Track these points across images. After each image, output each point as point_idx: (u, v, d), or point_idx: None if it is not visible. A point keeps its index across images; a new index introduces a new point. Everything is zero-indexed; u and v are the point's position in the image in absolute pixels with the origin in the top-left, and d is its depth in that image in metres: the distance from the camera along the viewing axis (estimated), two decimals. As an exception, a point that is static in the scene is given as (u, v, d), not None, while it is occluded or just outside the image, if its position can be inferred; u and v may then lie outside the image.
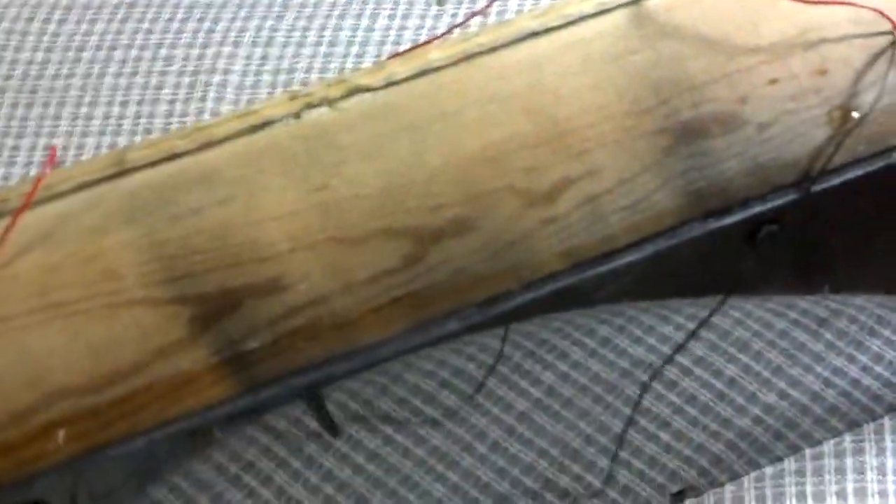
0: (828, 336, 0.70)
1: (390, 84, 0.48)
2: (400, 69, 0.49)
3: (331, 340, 0.43)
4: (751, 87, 0.48)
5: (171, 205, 0.45)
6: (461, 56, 0.49)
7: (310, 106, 0.48)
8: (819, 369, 0.69)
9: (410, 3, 1.01)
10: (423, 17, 1.00)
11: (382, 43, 0.99)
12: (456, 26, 0.93)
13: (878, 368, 0.68)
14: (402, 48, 0.96)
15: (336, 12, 1.00)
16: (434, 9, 1.01)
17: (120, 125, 0.93)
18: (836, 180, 0.47)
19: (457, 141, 0.47)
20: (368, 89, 0.48)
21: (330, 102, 0.48)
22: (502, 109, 0.48)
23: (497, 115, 0.48)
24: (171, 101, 0.94)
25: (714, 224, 0.45)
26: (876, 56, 0.48)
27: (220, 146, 0.46)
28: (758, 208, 0.46)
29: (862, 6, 0.50)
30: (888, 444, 0.66)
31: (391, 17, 1.00)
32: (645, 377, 0.63)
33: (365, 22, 1.00)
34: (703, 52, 0.49)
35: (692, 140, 0.47)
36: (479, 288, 0.44)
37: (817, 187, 0.46)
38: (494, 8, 0.95)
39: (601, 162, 0.46)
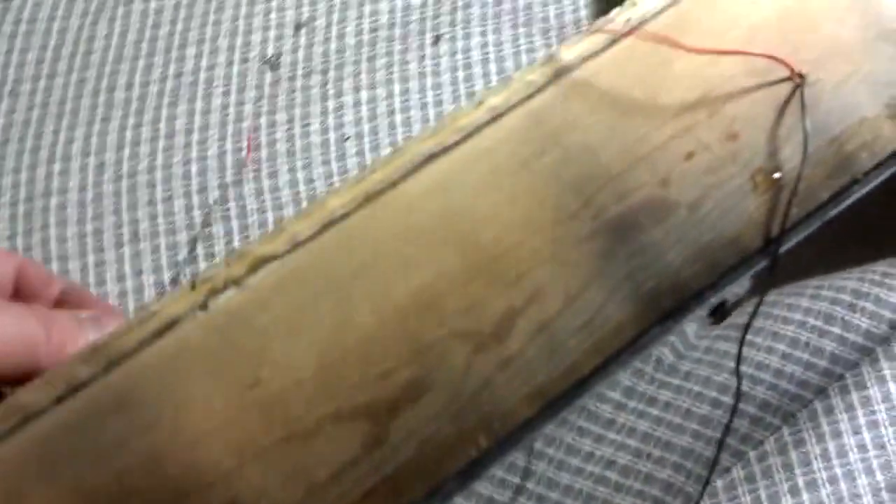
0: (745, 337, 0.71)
1: (296, 246, 0.45)
2: (301, 227, 0.46)
3: (309, 557, 0.40)
4: (668, 166, 0.47)
5: (91, 444, 0.41)
6: (362, 198, 0.46)
7: (214, 292, 0.44)
8: (743, 368, 0.71)
9: (243, 74, 0.98)
10: (259, 86, 0.97)
11: (224, 123, 0.94)
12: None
13: (797, 353, 0.70)
14: (244, 125, 0.93)
15: (166, 101, 0.95)
16: (269, 75, 0.98)
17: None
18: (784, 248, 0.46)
19: (383, 294, 0.44)
20: (274, 258, 0.45)
21: (236, 282, 0.44)
22: (421, 247, 0.45)
23: (417, 254, 0.45)
24: (9, 237, 0.87)
25: (672, 324, 0.44)
26: (782, 107, 0.48)
27: (126, 363, 0.42)
28: (712, 298, 0.45)
29: (751, 53, 0.49)
30: (825, 428, 0.67)
31: (226, 94, 0.96)
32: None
33: (200, 104, 0.95)
34: (610, 137, 0.48)
35: (627, 237, 0.46)
36: (451, 454, 0.42)
37: (762, 266, 0.46)
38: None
39: (542, 283, 0.45)
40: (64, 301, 0.48)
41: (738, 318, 0.71)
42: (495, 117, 0.48)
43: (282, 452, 0.41)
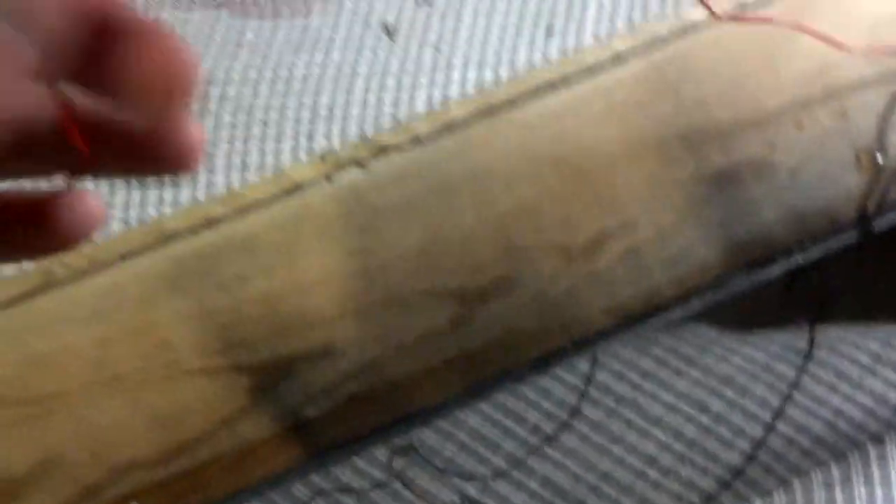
0: (809, 367, 0.74)
1: (416, 143, 0.52)
2: (423, 126, 0.52)
3: (387, 404, 0.46)
4: (777, 132, 0.52)
5: (216, 273, 0.48)
6: (483, 111, 0.52)
7: (340, 167, 0.51)
8: (802, 400, 0.73)
9: (361, 37, 1.04)
10: (374, 49, 1.03)
11: (336, 77, 1.01)
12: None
13: (860, 397, 0.72)
14: (355, 82, 0.99)
15: (290, 48, 1.02)
16: (385, 41, 1.04)
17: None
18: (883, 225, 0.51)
19: (489, 198, 0.50)
20: (396, 148, 0.51)
21: (359, 163, 0.51)
22: (530, 164, 0.51)
23: (525, 170, 0.51)
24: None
25: (758, 276, 0.49)
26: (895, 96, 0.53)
27: (255, 212, 0.49)
28: (799, 258, 0.50)
29: (879, 47, 0.54)
30: (875, 473, 0.70)
31: (342, 50, 1.02)
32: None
33: (319, 57, 1.02)
34: (726, 97, 0.53)
35: (726, 188, 0.51)
36: (529, 346, 0.48)
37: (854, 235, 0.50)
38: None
39: (637, 214, 0.50)
40: None
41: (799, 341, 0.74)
42: (619, 59, 0.54)
43: (378, 313, 0.47)
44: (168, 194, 0.89)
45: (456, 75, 0.83)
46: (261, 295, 0.47)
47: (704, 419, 0.77)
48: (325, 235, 0.49)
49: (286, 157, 0.94)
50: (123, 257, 0.47)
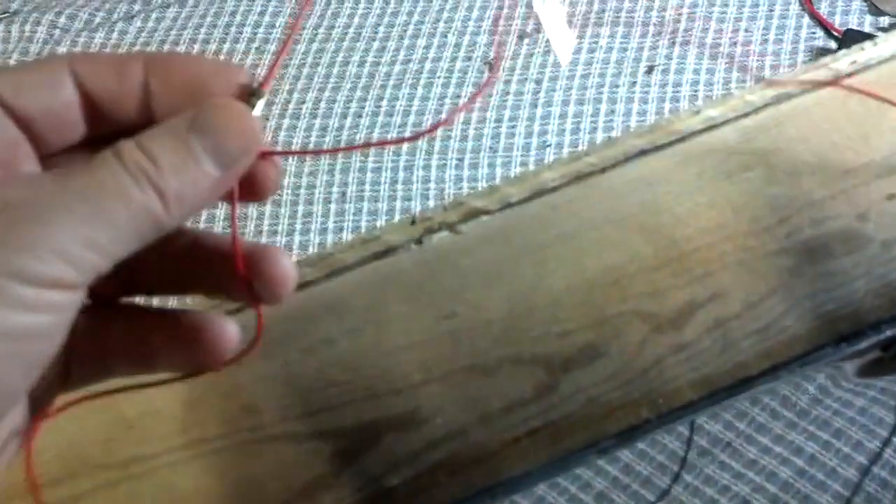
0: None
1: (506, 206, 0.50)
2: (514, 191, 0.50)
3: (471, 474, 0.44)
4: (869, 202, 0.49)
5: (302, 336, 0.46)
6: (573, 176, 0.50)
7: (430, 231, 0.49)
8: None
9: (464, 71, 1.04)
10: (476, 84, 1.03)
11: (439, 111, 1.01)
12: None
13: None
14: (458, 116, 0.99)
15: (391, 82, 1.02)
16: (487, 75, 1.04)
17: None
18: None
19: (577, 264, 0.48)
20: (486, 212, 0.49)
21: (449, 227, 0.49)
22: (619, 230, 0.49)
23: (614, 236, 0.49)
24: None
25: (847, 349, 0.46)
26: None
27: (345, 274, 0.48)
28: (889, 331, 0.47)
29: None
30: None
31: (445, 85, 1.02)
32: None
33: (421, 91, 1.02)
34: (816, 167, 0.50)
35: (816, 260, 0.48)
36: (614, 417, 0.45)
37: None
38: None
39: (726, 285, 0.47)
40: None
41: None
42: (710, 127, 0.51)
43: (464, 379, 0.45)
44: None
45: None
46: (347, 359, 0.45)
47: (799, 461, 0.75)
48: (413, 298, 0.47)
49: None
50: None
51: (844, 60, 0.53)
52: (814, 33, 1.01)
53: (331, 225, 0.92)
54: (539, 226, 0.49)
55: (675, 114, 0.52)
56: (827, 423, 0.76)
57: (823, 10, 1.01)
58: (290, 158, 0.96)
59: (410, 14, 1.07)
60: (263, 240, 0.90)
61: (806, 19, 1.02)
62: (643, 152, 0.51)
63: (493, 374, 0.46)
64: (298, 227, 0.92)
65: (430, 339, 0.46)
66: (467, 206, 0.50)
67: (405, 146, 0.96)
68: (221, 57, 1.02)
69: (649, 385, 0.46)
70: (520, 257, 0.49)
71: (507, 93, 1.02)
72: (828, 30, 1.00)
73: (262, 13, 1.05)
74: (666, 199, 0.50)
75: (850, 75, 0.53)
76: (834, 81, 0.52)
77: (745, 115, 0.52)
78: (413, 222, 0.49)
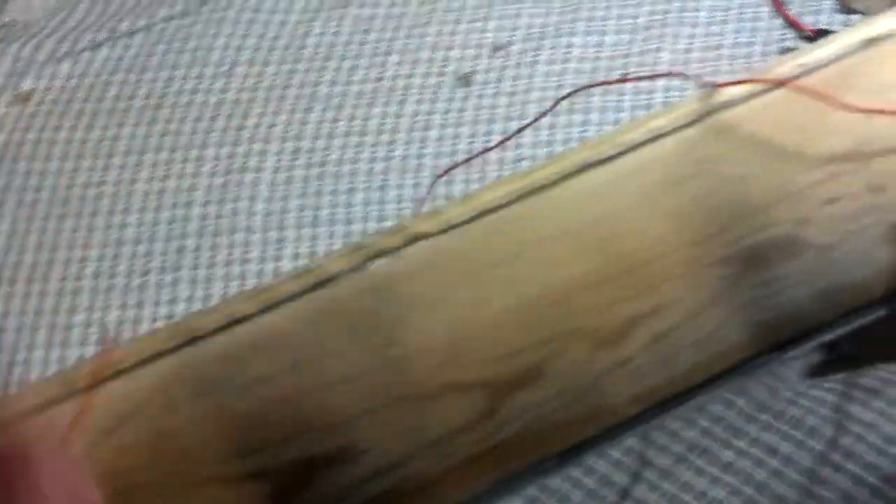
0: (879, 405, 0.71)
1: (448, 229, 0.49)
2: (457, 212, 0.49)
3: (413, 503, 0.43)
4: (810, 208, 0.49)
5: (238, 374, 0.46)
6: (517, 194, 0.50)
7: (370, 258, 0.48)
8: (872, 439, 0.70)
9: (437, 87, 1.03)
10: (450, 100, 1.02)
11: (411, 129, 1.00)
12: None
13: None
14: (431, 133, 0.98)
15: (364, 101, 1.01)
16: (460, 90, 1.03)
17: (154, 232, 0.94)
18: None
19: (520, 285, 0.48)
20: (427, 236, 0.49)
21: (390, 252, 0.48)
22: (563, 248, 0.48)
23: (558, 253, 0.48)
24: (205, 204, 0.95)
25: (785, 356, 0.45)
26: (933, 167, 0.49)
27: (282, 308, 0.47)
28: (827, 336, 0.46)
29: (877, 106, 0.50)
30: None
31: (419, 102, 1.02)
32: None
33: (394, 108, 1.01)
34: (758, 173, 0.50)
35: (756, 268, 0.47)
36: (556, 437, 0.44)
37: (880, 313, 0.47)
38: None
39: (667, 297, 0.47)
40: None
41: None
42: (655, 137, 0.51)
43: (401, 409, 0.45)
44: (199, 291, 0.88)
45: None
46: (283, 395, 0.45)
47: (774, 462, 0.75)
48: (353, 329, 0.47)
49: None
50: (146, 361, 0.46)
51: (789, 64, 0.52)
52: (784, 34, 1.00)
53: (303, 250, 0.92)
54: (482, 247, 0.49)
55: (620, 125, 0.51)
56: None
57: (794, 10, 1.00)
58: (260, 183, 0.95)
59: (382, 31, 1.07)
60: (236, 269, 0.90)
61: (777, 21, 1.01)
62: (588, 166, 0.51)
63: (434, 401, 0.45)
64: (271, 254, 0.92)
65: (370, 369, 0.46)
66: (408, 231, 0.49)
67: (376, 176, 0.95)
68: (189, 83, 1.02)
69: (591, 402, 0.45)
70: (462, 281, 0.48)
71: (481, 107, 1.01)
72: (799, 30, 0.99)
73: (229, 36, 1.04)
74: (610, 213, 0.49)
75: (794, 78, 0.52)
76: (779, 83, 0.51)
77: (690, 124, 0.51)
78: (353, 250, 0.49)
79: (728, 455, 0.75)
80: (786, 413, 0.74)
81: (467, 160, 0.94)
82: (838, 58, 0.53)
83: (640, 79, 0.96)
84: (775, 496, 0.71)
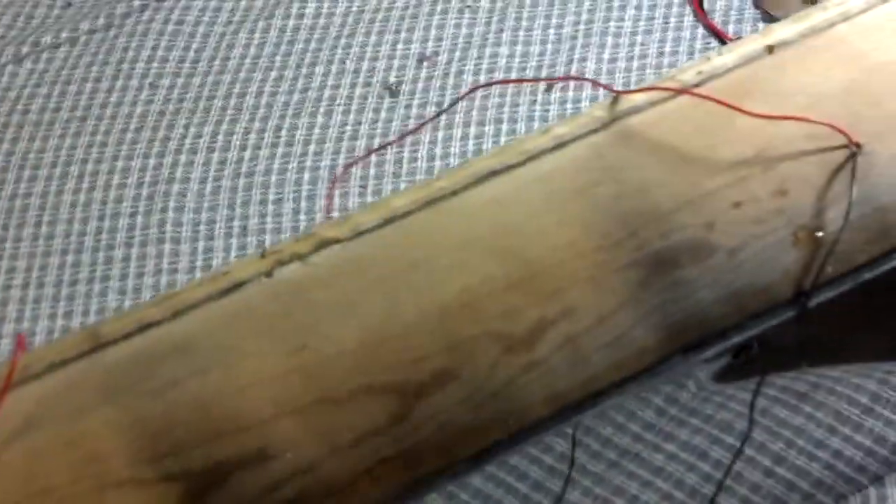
0: (807, 409, 0.72)
1: (358, 234, 0.49)
2: (366, 219, 0.50)
3: (323, 508, 0.43)
4: (716, 212, 0.50)
5: (148, 378, 0.45)
6: (425, 201, 0.50)
7: (280, 263, 0.48)
8: (801, 443, 0.71)
9: (364, 97, 1.03)
10: (377, 110, 1.02)
11: (340, 139, 1.00)
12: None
13: (859, 437, 0.70)
14: (358, 143, 0.98)
15: (290, 111, 1.01)
16: (387, 100, 1.03)
17: (81, 242, 0.93)
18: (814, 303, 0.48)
19: (430, 290, 0.48)
20: (337, 241, 0.49)
21: (300, 258, 0.49)
22: (471, 254, 0.49)
23: (467, 259, 0.49)
24: (132, 215, 0.94)
25: (694, 358, 0.46)
26: (834, 172, 0.50)
27: (192, 313, 0.47)
28: (736, 338, 0.47)
29: (815, 121, 0.51)
30: None
31: (346, 112, 1.02)
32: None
33: (320, 119, 1.01)
34: (664, 179, 0.51)
35: (664, 271, 0.48)
36: (466, 441, 0.45)
37: (788, 314, 0.48)
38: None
39: (576, 301, 0.47)
40: None
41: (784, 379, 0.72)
42: (560, 145, 0.51)
43: (314, 413, 0.45)
44: (128, 300, 0.88)
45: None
46: (194, 399, 0.45)
47: (705, 467, 0.75)
48: (264, 333, 0.47)
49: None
50: (56, 366, 0.45)
51: (691, 71, 0.54)
52: (709, 43, 1.02)
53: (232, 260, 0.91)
54: (391, 253, 0.49)
55: (525, 133, 0.52)
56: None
57: (717, 19, 1.02)
58: (187, 193, 0.94)
59: (307, 41, 1.07)
60: (164, 279, 0.89)
61: (700, 30, 1.03)
62: (494, 173, 0.51)
63: (345, 405, 0.45)
64: (199, 263, 0.91)
65: (281, 374, 0.46)
66: (318, 236, 0.49)
67: (304, 186, 0.96)
68: (114, 95, 1.01)
69: (501, 405, 0.45)
70: (372, 286, 0.48)
71: (409, 117, 1.01)
72: (722, 39, 1.00)
73: (154, 48, 1.04)
74: (517, 220, 0.50)
75: (696, 86, 0.53)
76: (680, 91, 0.53)
77: (594, 131, 0.52)
78: (263, 255, 0.49)
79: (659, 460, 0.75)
80: (700, 412, 0.75)
81: (366, 156, 0.95)
82: (739, 65, 0.54)
83: (536, 80, 0.98)
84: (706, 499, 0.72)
